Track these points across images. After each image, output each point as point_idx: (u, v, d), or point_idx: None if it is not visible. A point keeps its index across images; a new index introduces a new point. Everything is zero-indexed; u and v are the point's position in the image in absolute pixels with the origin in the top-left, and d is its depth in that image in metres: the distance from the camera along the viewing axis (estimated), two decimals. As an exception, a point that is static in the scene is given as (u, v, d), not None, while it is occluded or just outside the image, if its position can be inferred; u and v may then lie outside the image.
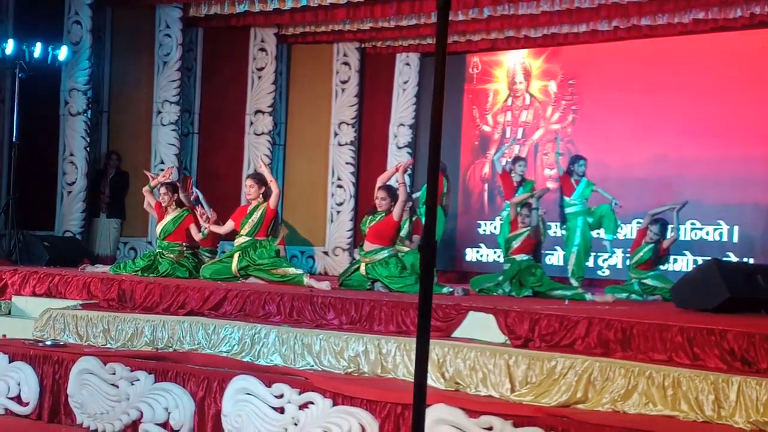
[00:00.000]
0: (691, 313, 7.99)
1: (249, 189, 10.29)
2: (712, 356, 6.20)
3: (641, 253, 11.10)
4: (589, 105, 13.90)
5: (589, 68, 14.02)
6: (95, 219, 14.00)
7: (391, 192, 9.76)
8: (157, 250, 10.87)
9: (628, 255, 11.65)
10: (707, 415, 5.75)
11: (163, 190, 10.88)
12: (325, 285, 9.30)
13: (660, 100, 13.14)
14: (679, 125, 12.90)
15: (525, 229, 10.24)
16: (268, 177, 10.39)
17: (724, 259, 11.69)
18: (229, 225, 10.46)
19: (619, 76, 13.55)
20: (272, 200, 10.13)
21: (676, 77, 13.07)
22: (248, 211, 10.25)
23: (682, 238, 12.18)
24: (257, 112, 15.02)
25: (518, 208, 10.35)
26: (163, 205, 10.85)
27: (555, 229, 12.63)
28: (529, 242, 10.25)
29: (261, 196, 10.22)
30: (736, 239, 12.63)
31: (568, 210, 11.38)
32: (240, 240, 10.20)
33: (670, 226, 11.09)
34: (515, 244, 10.26)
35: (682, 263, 12.49)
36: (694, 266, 11.54)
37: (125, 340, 8.31)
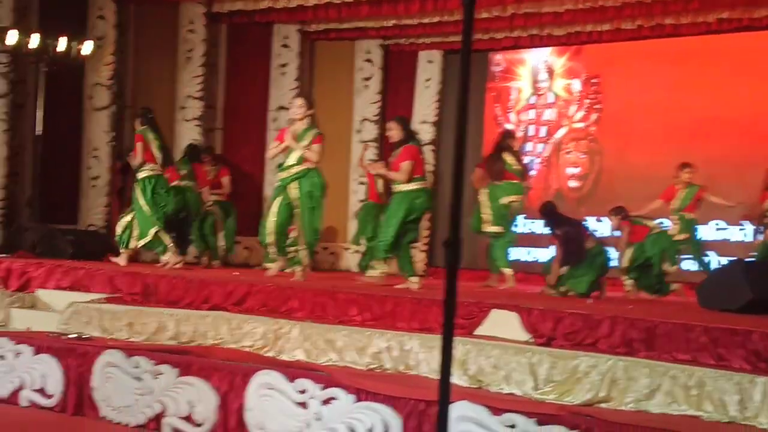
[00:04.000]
0: (716, 313, 7.97)
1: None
2: (736, 356, 6.18)
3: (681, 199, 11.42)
4: (613, 104, 13.87)
5: (613, 67, 13.98)
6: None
7: (400, 121, 9.75)
8: None
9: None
10: (731, 416, 5.73)
11: None
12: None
13: (684, 100, 13.10)
14: (703, 125, 12.86)
15: None
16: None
17: (748, 259, 11.63)
18: None
19: (643, 74, 13.51)
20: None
21: (700, 76, 13.03)
22: None
23: (706, 238, 12.15)
24: (280, 108, 15.05)
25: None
26: None
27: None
28: None
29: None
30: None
31: None
32: None
33: None
34: None
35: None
36: (719, 266, 11.49)
37: (149, 334, 8.35)
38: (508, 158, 11.11)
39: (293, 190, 9.62)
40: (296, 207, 9.63)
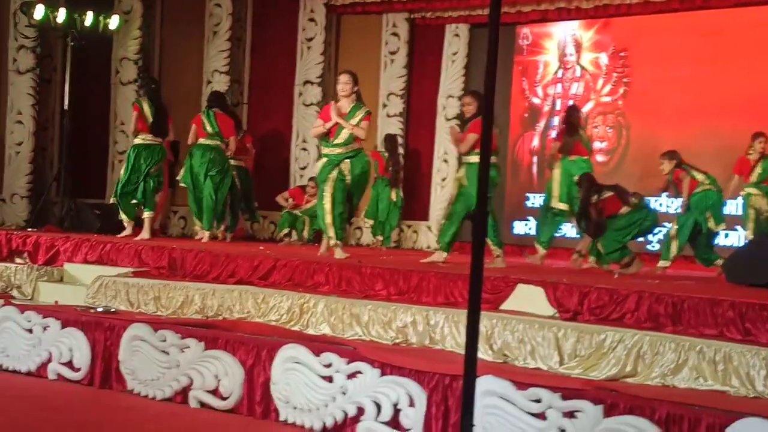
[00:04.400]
0: (744, 288, 7.91)
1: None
2: (763, 331, 6.14)
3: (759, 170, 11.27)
4: (641, 78, 13.74)
5: (641, 40, 13.85)
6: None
7: (477, 95, 9.58)
8: None
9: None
10: (758, 391, 5.70)
11: None
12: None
13: (713, 73, 12.97)
14: (732, 98, 12.72)
15: None
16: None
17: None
18: None
19: (672, 48, 13.38)
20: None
21: (729, 50, 12.88)
22: None
23: (733, 213, 12.06)
24: (306, 82, 15.04)
25: None
26: None
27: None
28: None
29: None
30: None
31: None
32: None
33: None
34: None
35: (734, 238, 12.35)
36: (747, 241, 11.41)
37: (176, 308, 8.39)
38: (583, 133, 11.01)
39: (345, 169, 9.51)
40: (348, 187, 9.55)
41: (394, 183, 13.75)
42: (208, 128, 11.56)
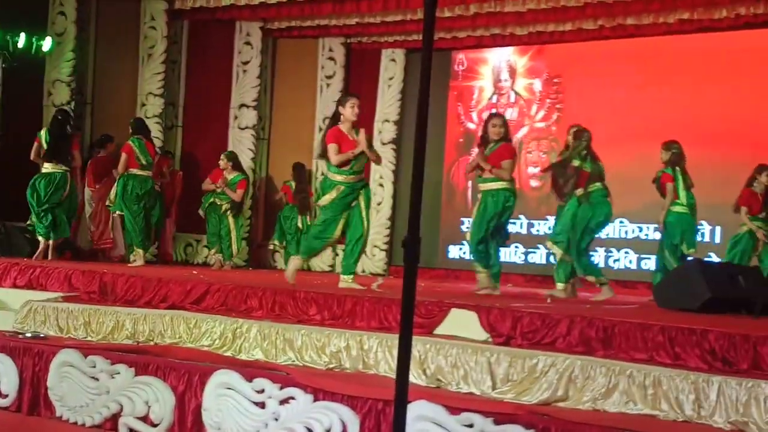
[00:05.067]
0: (674, 313, 8.01)
1: None
2: (693, 356, 6.20)
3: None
4: (574, 103, 13.92)
5: (575, 67, 14.04)
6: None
7: (503, 119, 9.75)
8: None
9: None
10: (687, 415, 5.74)
11: None
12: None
13: (645, 100, 13.18)
14: (663, 125, 12.92)
15: None
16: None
17: (706, 259, 11.72)
18: None
19: (605, 74, 13.58)
20: None
21: (660, 77, 13.11)
22: None
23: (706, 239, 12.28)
24: (242, 106, 15.01)
25: None
26: None
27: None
28: None
29: None
30: (718, 239, 12.68)
31: None
32: None
33: None
34: None
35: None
36: (676, 266, 11.56)
37: (106, 333, 8.28)
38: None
39: (361, 197, 9.33)
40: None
41: (301, 210, 13.91)
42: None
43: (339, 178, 9.25)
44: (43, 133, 11.90)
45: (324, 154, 9.40)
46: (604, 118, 13.32)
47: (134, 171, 11.98)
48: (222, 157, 13.24)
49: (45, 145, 11.79)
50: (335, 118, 9.50)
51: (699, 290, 8.26)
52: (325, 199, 9.29)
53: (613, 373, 6.06)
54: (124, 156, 11.93)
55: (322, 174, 10.38)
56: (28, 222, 12.17)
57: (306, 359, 7.28)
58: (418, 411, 5.71)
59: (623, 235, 13.26)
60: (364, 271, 13.99)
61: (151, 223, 12.52)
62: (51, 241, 11.83)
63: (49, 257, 11.66)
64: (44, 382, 7.47)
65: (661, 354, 6.30)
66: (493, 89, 14.82)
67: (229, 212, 12.96)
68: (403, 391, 3.65)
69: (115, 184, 12.16)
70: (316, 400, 6.26)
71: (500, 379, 6.46)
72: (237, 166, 13.24)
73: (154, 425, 6.91)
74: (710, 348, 6.15)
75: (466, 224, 14.49)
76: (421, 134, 3.64)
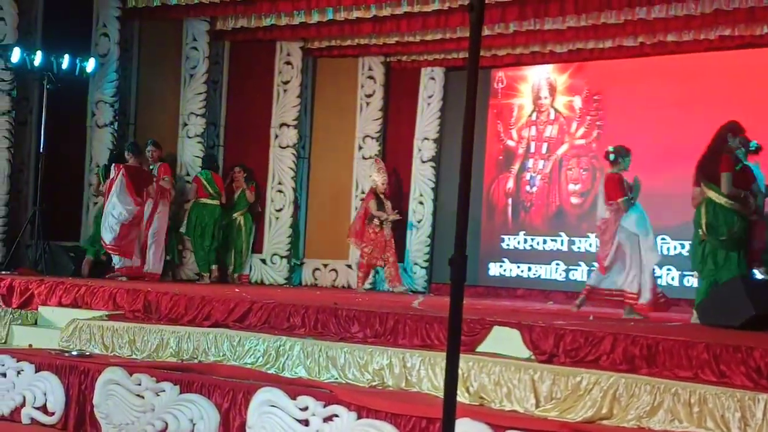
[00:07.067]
0: (717, 330, 7.96)
1: None
2: (738, 373, 6.17)
3: None
4: (614, 121, 13.87)
5: (615, 84, 14.00)
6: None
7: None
8: None
9: None
10: (733, 433, 5.72)
11: None
12: None
13: (685, 117, 13.10)
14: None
15: None
16: None
17: (751, 275, 11.61)
18: None
19: (645, 91, 13.52)
20: None
21: (702, 94, 13.03)
22: None
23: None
24: (282, 125, 15.08)
25: None
26: None
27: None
28: None
29: None
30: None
31: None
32: None
33: None
34: None
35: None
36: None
37: (150, 351, 8.36)
38: None
39: None
40: None
41: None
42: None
43: None
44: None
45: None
46: (645, 135, 13.27)
47: (203, 200, 13.71)
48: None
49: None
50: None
51: (742, 307, 8.20)
52: None
53: (658, 390, 6.05)
54: (194, 187, 13.80)
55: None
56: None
57: (349, 377, 7.31)
58: (462, 429, 5.70)
59: (665, 252, 13.16)
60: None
61: (213, 247, 13.80)
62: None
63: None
64: (90, 399, 7.55)
65: (706, 372, 6.27)
66: (533, 106, 14.80)
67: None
68: (450, 410, 3.67)
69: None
70: (359, 417, 6.29)
71: (544, 397, 6.46)
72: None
73: (199, 442, 6.96)
74: (756, 365, 6.11)
75: (506, 241, 14.49)
76: (466, 154, 3.66)
